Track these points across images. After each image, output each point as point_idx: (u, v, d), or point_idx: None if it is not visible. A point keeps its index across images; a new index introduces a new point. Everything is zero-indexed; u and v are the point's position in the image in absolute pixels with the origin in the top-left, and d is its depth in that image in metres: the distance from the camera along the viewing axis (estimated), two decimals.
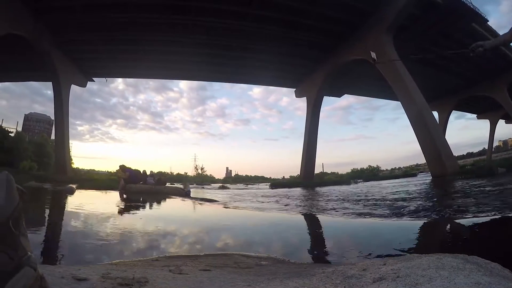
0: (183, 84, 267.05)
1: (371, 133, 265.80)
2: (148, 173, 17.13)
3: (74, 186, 15.96)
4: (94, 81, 38.96)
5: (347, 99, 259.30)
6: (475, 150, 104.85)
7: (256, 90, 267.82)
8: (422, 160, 33.24)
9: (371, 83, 36.51)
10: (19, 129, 53.88)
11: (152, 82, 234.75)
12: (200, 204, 10.50)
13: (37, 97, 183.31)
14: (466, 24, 26.70)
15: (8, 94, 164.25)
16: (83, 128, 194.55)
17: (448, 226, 5.11)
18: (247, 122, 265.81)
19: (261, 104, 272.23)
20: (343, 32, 27.88)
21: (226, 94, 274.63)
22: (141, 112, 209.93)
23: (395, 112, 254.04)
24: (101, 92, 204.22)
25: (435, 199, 9.04)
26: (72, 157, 40.88)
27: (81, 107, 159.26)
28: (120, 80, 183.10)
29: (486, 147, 64.32)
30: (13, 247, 0.66)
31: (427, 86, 32.26)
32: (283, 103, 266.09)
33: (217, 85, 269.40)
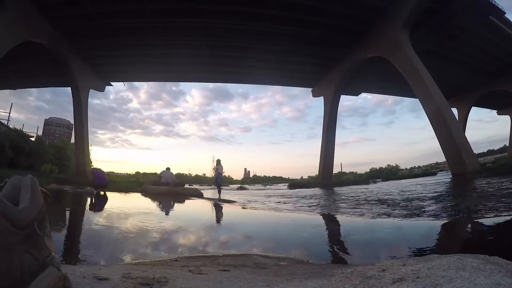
0: (187, 100, 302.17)
1: (372, 135, 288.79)
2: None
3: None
4: (112, 85, 39.52)
5: None
6: (496, 147, 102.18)
7: (246, 105, 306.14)
8: (442, 158, 32.63)
9: (389, 81, 35.92)
10: (40, 133, 54.92)
11: (160, 102, 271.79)
12: (219, 205, 10.55)
13: (65, 112, 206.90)
14: (483, 17, 26.17)
15: (40, 111, 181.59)
16: (105, 137, 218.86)
17: (469, 226, 5.02)
18: (249, 130, 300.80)
19: (257, 116, 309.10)
20: (358, 29, 27.56)
21: (222, 109, 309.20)
22: (155, 123, 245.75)
23: (386, 117, 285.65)
24: (120, 108, 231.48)
25: (455, 199, 8.89)
26: (92, 160, 41.41)
27: (103, 120, 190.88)
28: (135, 100, 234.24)
29: (507, 144, 62.69)
30: (37, 248, 0.68)
31: (446, 82, 31.64)
32: (275, 115, 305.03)
33: (216, 100, 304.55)
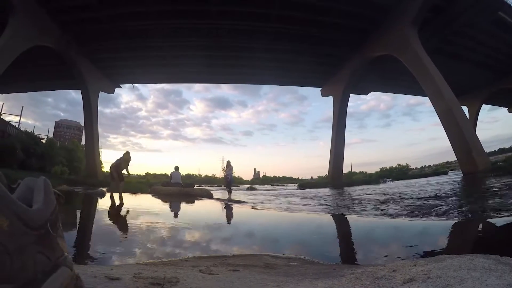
0: (191, 109, 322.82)
1: (373, 137, 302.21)
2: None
3: (104, 189, 16.32)
4: (121, 87, 39.92)
5: (327, 114, 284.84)
6: (507, 145, 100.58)
7: (245, 113, 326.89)
8: (452, 157, 32.31)
9: (399, 79, 35.57)
10: (50, 135, 55.46)
11: (166, 110, 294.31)
12: (229, 205, 10.58)
13: (80, 119, 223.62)
14: (492, 13, 25.81)
15: (56, 118, 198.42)
16: (117, 140, 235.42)
17: (480, 226, 4.97)
18: (251, 133, 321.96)
19: (256, 121, 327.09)
20: (366, 28, 27.43)
21: (224, 115, 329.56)
22: (163, 128, 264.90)
23: (382, 120, 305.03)
24: (131, 116, 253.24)
25: (466, 198, 8.81)
26: (102, 162, 41.76)
27: (115, 126, 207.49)
28: (144, 109, 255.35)
29: None
30: (50, 248, 0.69)
31: (455, 80, 31.21)
32: (274, 121, 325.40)
33: (217, 108, 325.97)
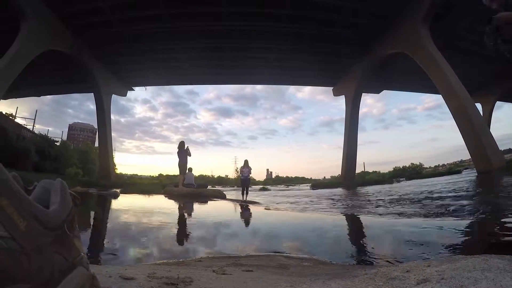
0: (198, 117, 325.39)
1: (375, 138, 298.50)
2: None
3: (118, 190, 16.46)
4: (133, 89, 40.30)
5: (323, 120, 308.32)
6: None
7: (246, 120, 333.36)
8: (466, 156, 31.81)
9: (411, 77, 35.11)
10: (64, 138, 56.14)
11: (174, 119, 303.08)
12: (242, 206, 10.59)
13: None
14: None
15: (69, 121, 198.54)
16: (132, 145, 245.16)
17: (495, 226, 4.90)
18: (255, 137, 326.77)
19: (257, 127, 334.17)
20: (378, 25, 27.21)
21: (228, 122, 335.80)
22: (174, 134, 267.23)
23: (379, 124, 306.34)
24: (144, 123, 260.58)
25: (480, 197, 8.69)
26: (115, 163, 42.16)
27: (130, 132, 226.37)
28: (155, 117, 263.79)
29: None
30: (67, 249, 0.70)
31: (468, 77, 30.72)
32: (274, 127, 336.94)
33: (222, 116, 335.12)
